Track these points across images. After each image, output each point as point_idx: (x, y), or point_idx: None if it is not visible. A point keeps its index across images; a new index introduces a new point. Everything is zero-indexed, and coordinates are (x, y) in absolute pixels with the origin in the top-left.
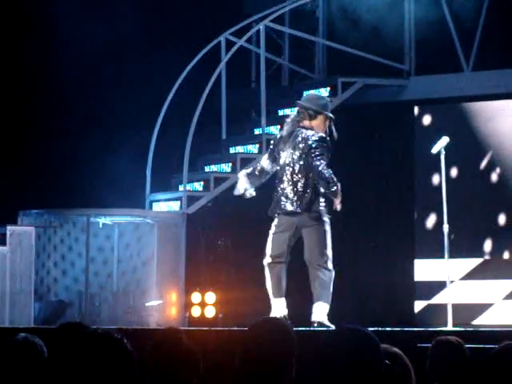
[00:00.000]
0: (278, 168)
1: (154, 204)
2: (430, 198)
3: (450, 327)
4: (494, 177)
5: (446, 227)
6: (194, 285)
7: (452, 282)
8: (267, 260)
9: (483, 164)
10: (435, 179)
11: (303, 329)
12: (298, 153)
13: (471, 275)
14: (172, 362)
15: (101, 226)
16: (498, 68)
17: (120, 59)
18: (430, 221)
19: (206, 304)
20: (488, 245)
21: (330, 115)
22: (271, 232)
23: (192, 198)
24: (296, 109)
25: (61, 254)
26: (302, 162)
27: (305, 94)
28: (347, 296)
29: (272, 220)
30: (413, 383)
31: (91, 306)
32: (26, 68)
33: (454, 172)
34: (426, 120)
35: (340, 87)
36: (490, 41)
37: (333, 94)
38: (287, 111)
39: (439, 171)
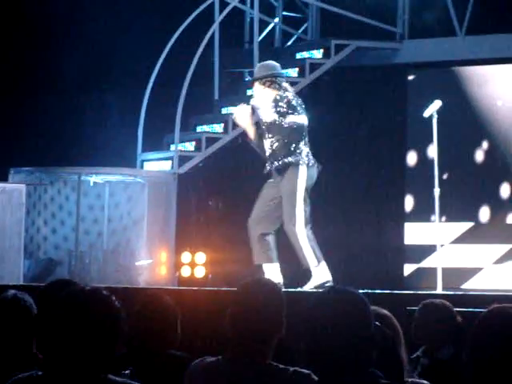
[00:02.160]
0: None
1: (145, 163)
2: (421, 161)
3: (439, 291)
4: (486, 142)
5: (436, 191)
6: (184, 245)
7: (442, 245)
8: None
9: (475, 128)
10: (427, 143)
11: (293, 290)
12: None
13: (461, 239)
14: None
15: (92, 184)
16: (492, 33)
17: (113, 19)
18: (421, 184)
19: (196, 264)
20: (478, 209)
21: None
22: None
23: (183, 158)
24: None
25: (51, 212)
26: None
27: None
28: (337, 259)
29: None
30: (402, 345)
31: (81, 264)
32: (17, 24)
33: (446, 136)
34: (419, 83)
35: (333, 49)
36: (484, 5)
37: (326, 56)
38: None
39: (431, 135)
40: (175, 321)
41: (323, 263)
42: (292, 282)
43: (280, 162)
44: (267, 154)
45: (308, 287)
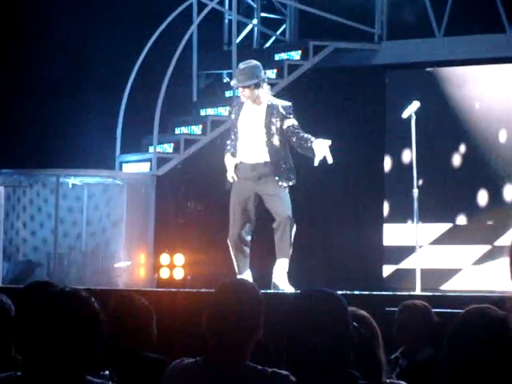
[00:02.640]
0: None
1: (123, 165)
2: (400, 162)
3: (418, 292)
4: (464, 143)
5: (415, 192)
6: (162, 246)
7: (421, 246)
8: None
9: (454, 129)
10: (405, 144)
11: (271, 291)
12: None
13: (440, 240)
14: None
15: (70, 186)
16: (470, 33)
17: (90, 21)
18: (400, 185)
19: (175, 266)
20: (457, 210)
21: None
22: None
23: (162, 160)
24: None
25: (30, 214)
26: None
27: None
28: (316, 260)
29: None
30: (380, 346)
31: (60, 266)
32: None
33: (424, 136)
34: (397, 84)
35: (311, 51)
36: (462, 6)
37: (304, 57)
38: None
39: (410, 136)
40: (149, 321)
41: None
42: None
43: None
44: (270, 159)
45: (276, 277)
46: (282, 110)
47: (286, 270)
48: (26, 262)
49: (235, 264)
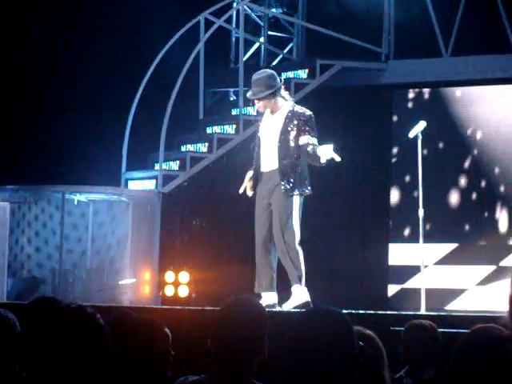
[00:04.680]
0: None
1: (129, 182)
2: (406, 182)
3: (423, 311)
4: (471, 162)
5: (421, 212)
6: (167, 264)
7: (426, 266)
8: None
9: (460, 148)
10: (412, 163)
11: (277, 309)
12: None
13: (445, 260)
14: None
15: (76, 203)
16: (477, 53)
17: (98, 37)
18: (406, 205)
19: (180, 283)
20: (463, 230)
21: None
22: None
23: (168, 178)
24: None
25: (35, 230)
26: None
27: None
28: (321, 279)
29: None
30: (385, 366)
31: (64, 283)
32: (4, 44)
33: (430, 156)
34: (404, 104)
35: (318, 69)
36: (469, 26)
37: (311, 76)
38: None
39: (416, 155)
40: (166, 345)
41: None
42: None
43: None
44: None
45: (287, 307)
46: (300, 121)
47: (301, 299)
48: (30, 278)
49: (256, 278)
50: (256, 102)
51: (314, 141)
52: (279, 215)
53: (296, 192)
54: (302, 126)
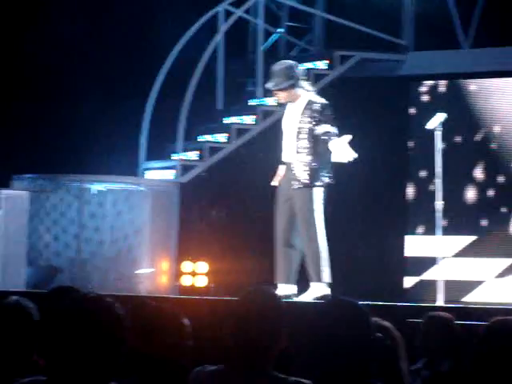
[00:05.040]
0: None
1: (147, 172)
2: (423, 173)
3: (440, 303)
4: (489, 154)
5: (439, 204)
6: (185, 254)
7: (443, 258)
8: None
9: (479, 140)
10: (430, 155)
11: (295, 300)
12: None
13: (463, 252)
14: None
15: (94, 192)
16: (497, 45)
17: (118, 26)
18: (423, 197)
19: (197, 273)
20: (482, 222)
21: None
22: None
23: (186, 168)
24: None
25: (53, 219)
26: None
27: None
28: (338, 271)
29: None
30: (403, 356)
31: (82, 272)
32: (24, 32)
33: (449, 148)
34: (423, 95)
35: (338, 60)
36: (489, 18)
37: (330, 66)
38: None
39: (434, 147)
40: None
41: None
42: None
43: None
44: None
45: (305, 298)
46: (316, 111)
47: (319, 292)
48: (48, 267)
49: (277, 270)
50: (276, 93)
51: (332, 129)
52: (301, 210)
53: (316, 183)
54: (318, 115)
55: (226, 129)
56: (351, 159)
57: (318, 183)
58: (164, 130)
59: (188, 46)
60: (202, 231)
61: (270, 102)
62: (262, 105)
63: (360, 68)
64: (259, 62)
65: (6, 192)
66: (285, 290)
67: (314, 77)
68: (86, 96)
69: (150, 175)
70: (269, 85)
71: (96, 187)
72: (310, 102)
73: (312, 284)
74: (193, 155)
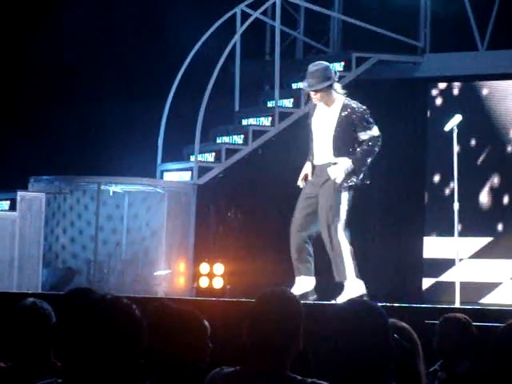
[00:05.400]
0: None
1: (164, 174)
2: (441, 175)
3: (457, 305)
4: (507, 156)
5: (456, 205)
6: (202, 255)
7: (461, 260)
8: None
9: (496, 142)
10: (447, 157)
11: (312, 301)
12: None
13: (480, 254)
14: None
15: (111, 194)
16: None
17: (135, 30)
18: (441, 198)
19: (214, 275)
20: (498, 224)
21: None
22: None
23: (203, 169)
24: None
25: (70, 221)
26: None
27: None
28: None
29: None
30: (420, 358)
31: (99, 274)
32: (43, 34)
33: (466, 150)
34: (440, 98)
35: (354, 62)
36: (506, 20)
37: (347, 68)
38: (300, 84)
39: (451, 149)
40: (205, 337)
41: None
42: (323, 294)
43: None
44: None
45: (341, 300)
46: (357, 116)
47: (355, 292)
48: (65, 269)
49: (294, 263)
50: (313, 94)
51: (375, 133)
52: (325, 211)
53: (345, 184)
54: (359, 121)
55: (242, 130)
56: (337, 181)
57: (347, 185)
58: (181, 131)
59: (205, 47)
60: (218, 233)
61: (286, 103)
62: (279, 106)
63: (376, 70)
64: (276, 63)
65: (22, 193)
66: (304, 282)
67: None
68: (104, 98)
69: (167, 177)
70: (304, 85)
71: (113, 189)
72: (346, 106)
73: (345, 284)
74: (210, 157)
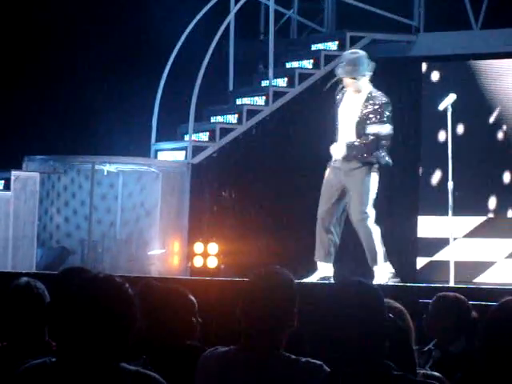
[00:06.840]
0: None
1: (159, 153)
2: (435, 154)
3: (451, 284)
4: (501, 135)
5: (450, 184)
6: (196, 235)
7: (455, 239)
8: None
9: (490, 122)
10: (441, 136)
11: (308, 281)
12: None
13: (474, 233)
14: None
15: (105, 173)
16: (507, 26)
17: (128, 9)
18: (435, 178)
19: (209, 254)
20: (492, 203)
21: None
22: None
23: (197, 149)
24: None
25: (64, 200)
26: None
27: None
28: (350, 252)
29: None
30: (412, 338)
31: (93, 253)
32: (37, 16)
33: (460, 129)
34: (434, 76)
35: (348, 41)
36: None
37: (341, 48)
38: (295, 64)
39: (445, 128)
40: (187, 310)
41: (387, 261)
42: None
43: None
44: None
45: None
46: (376, 111)
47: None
48: (59, 248)
49: (316, 248)
50: (348, 80)
51: (385, 130)
52: (355, 198)
53: (374, 165)
54: (373, 112)
55: (237, 110)
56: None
57: (375, 165)
58: (175, 111)
59: (199, 27)
60: (212, 212)
61: (281, 82)
62: (273, 86)
63: (370, 49)
64: (270, 43)
65: (16, 173)
66: (323, 269)
67: (325, 58)
68: (98, 77)
69: (161, 156)
70: (339, 71)
71: (107, 168)
72: (371, 96)
73: (375, 268)
74: (204, 136)
